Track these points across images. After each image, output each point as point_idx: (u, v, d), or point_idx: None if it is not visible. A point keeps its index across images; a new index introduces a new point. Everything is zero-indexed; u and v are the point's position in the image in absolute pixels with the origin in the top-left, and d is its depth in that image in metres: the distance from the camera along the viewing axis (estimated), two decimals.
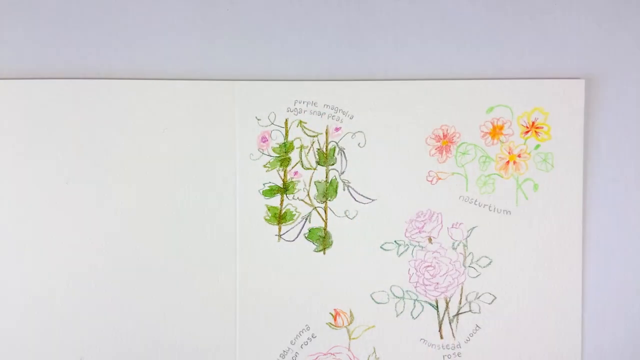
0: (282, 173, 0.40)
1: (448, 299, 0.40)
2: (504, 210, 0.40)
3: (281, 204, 0.40)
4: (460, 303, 0.40)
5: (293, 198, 0.40)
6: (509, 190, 0.40)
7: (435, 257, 0.40)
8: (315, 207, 0.40)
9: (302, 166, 0.40)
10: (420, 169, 0.40)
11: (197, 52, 0.40)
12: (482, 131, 0.40)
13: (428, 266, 0.40)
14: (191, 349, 0.40)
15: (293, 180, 0.40)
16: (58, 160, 0.39)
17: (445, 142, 0.40)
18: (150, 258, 0.39)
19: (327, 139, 0.40)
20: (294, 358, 0.40)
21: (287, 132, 0.40)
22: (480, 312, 0.40)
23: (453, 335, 0.41)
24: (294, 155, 0.40)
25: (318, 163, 0.40)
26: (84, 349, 0.39)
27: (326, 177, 0.40)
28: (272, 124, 0.40)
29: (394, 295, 0.40)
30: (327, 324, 0.40)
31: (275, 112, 0.40)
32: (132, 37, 0.39)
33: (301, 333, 0.40)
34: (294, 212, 0.40)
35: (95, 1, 0.39)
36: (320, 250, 0.40)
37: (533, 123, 0.40)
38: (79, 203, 0.39)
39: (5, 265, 0.39)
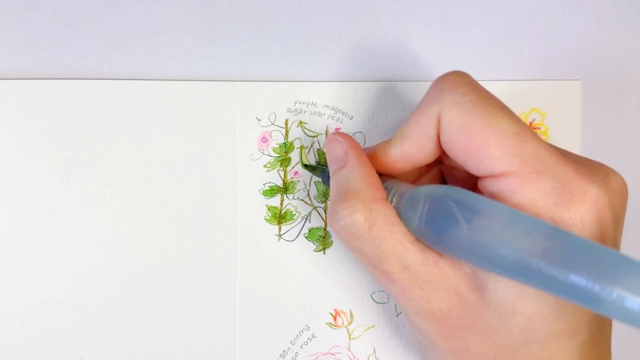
0: (282, 173, 0.40)
1: None
2: None
3: (281, 204, 0.40)
4: None
5: (293, 198, 0.40)
6: None
7: None
8: (315, 207, 0.40)
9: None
10: None
11: (197, 52, 0.40)
12: None
13: None
14: (191, 349, 0.39)
15: (293, 180, 0.40)
16: (58, 160, 0.39)
17: None
18: (150, 258, 0.39)
19: None
20: (294, 358, 0.40)
21: (287, 132, 0.40)
22: None
23: None
24: (294, 156, 0.40)
25: (318, 163, 0.40)
26: (84, 349, 0.39)
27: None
28: (273, 124, 0.40)
29: None
30: (327, 324, 0.40)
31: (275, 113, 0.40)
32: (132, 37, 0.39)
33: (301, 333, 0.40)
34: (294, 212, 0.40)
35: (95, 1, 0.39)
36: (320, 250, 0.40)
37: (530, 124, 0.41)
38: (79, 203, 0.39)
39: (4, 265, 0.38)
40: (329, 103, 0.40)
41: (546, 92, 0.41)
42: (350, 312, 0.40)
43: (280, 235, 0.40)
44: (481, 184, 0.26)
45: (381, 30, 0.40)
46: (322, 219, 0.40)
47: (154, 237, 0.39)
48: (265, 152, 0.40)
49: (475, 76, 0.40)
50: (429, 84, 0.39)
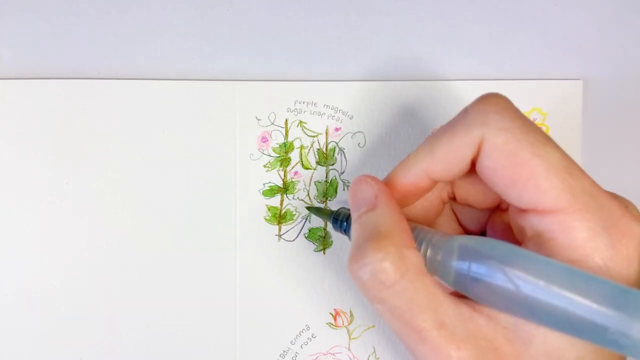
0: (282, 173, 0.40)
1: None
2: None
3: (281, 204, 0.40)
4: None
5: (293, 198, 0.40)
6: None
7: None
8: None
9: (302, 166, 0.40)
10: None
11: (197, 52, 0.40)
12: None
13: None
14: (191, 348, 0.39)
15: (293, 180, 0.40)
16: (58, 160, 0.39)
17: None
18: (150, 258, 0.39)
19: (327, 139, 0.40)
20: (294, 358, 0.40)
21: (287, 132, 0.40)
22: None
23: None
24: (294, 155, 0.40)
25: (318, 163, 0.40)
26: (84, 349, 0.39)
27: (326, 177, 0.40)
28: (272, 124, 0.40)
29: None
30: (327, 324, 0.40)
31: (275, 112, 0.40)
32: (132, 37, 0.39)
33: (301, 333, 0.40)
34: (294, 212, 0.40)
35: (96, 1, 0.39)
36: (320, 250, 0.40)
37: None
38: (79, 203, 0.39)
39: (4, 265, 0.39)
40: (329, 103, 0.40)
41: (547, 92, 0.41)
42: (350, 312, 0.40)
43: (280, 235, 0.40)
44: (523, 219, 0.25)
45: (381, 30, 0.40)
46: (322, 219, 0.40)
47: (154, 236, 0.39)
48: (265, 152, 0.40)
49: (476, 76, 0.40)
50: (429, 84, 0.40)
